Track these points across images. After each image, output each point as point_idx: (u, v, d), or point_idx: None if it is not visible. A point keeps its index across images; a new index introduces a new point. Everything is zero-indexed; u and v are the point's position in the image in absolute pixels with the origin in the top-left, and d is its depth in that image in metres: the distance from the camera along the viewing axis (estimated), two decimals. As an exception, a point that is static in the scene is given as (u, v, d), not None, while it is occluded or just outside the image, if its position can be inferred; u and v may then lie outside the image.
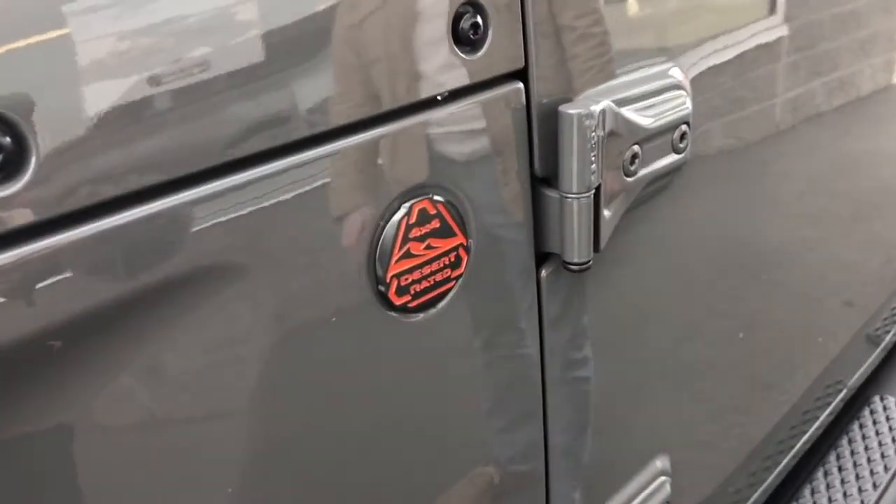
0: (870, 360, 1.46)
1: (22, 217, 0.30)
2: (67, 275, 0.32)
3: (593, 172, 0.51)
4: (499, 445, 0.57)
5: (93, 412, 0.35)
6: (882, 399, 1.50)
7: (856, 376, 1.39)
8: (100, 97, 0.32)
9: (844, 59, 0.91)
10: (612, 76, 0.56)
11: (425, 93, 0.43)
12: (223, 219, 0.36)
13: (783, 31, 0.78)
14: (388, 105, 0.42)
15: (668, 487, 0.77)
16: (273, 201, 0.38)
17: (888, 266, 1.36)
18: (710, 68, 0.67)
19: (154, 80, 0.33)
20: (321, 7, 0.39)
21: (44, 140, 0.30)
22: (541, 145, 0.51)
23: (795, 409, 1.23)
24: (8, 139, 0.30)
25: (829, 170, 0.98)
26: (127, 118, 0.32)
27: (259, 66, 0.36)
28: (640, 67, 0.58)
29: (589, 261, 0.54)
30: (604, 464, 0.70)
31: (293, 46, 0.38)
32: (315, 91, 0.39)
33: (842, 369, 1.37)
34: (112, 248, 0.33)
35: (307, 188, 0.39)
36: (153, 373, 0.36)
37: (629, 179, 0.56)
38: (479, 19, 0.45)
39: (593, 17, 0.54)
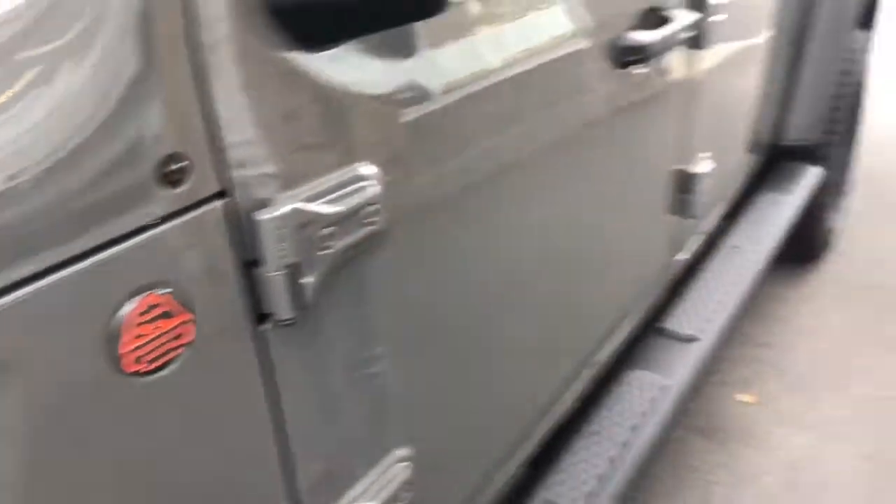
0: (623, 336, 1.75)
1: None
2: None
3: (286, 255, 0.72)
4: (235, 468, 0.76)
5: None
6: (639, 371, 1.82)
7: (606, 351, 1.67)
8: None
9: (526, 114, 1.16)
10: (306, 180, 0.76)
11: (141, 221, 0.62)
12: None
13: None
14: (111, 234, 0.60)
15: (408, 471, 1.00)
16: (36, 309, 0.56)
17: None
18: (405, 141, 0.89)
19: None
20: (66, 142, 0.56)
21: None
22: (247, 240, 0.71)
23: (554, 390, 1.49)
24: None
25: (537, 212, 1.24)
26: None
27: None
28: (331, 169, 0.79)
29: (294, 317, 0.75)
30: (346, 464, 0.91)
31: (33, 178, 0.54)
32: (62, 225, 0.57)
33: (598, 347, 1.64)
34: None
35: (54, 297, 0.57)
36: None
37: (323, 254, 0.77)
38: (180, 164, 0.64)
39: (284, 137, 0.74)
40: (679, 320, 1.90)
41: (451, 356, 1.11)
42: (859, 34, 2.92)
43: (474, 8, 1.02)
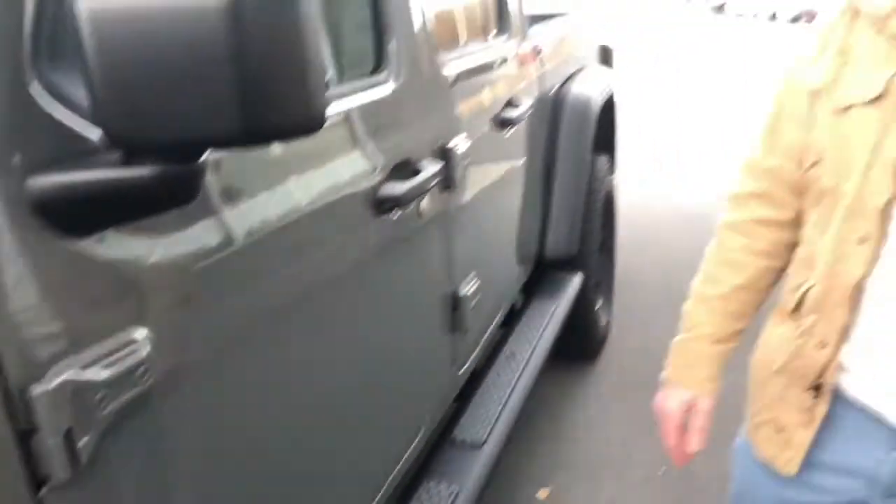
0: (417, 451, 1.86)
1: None
2: None
3: (60, 422, 0.79)
4: None
5: None
6: (433, 483, 1.94)
7: (401, 467, 1.77)
8: None
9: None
10: (78, 350, 0.84)
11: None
12: None
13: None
14: None
15: None
16: None
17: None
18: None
19: None
20: None
21: None
22: (21, 411, 0.77)
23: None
24: None
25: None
26: None
27: None
28: (103, 337, 0.87)
29: (71, 478, 0.81)
30: None
31: None
32: None
33: (393, 465, 1.75)
34: None
35: None
36: None
37: (100, 414, 0.84)
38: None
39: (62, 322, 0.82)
40: (466, 429, 2.07)
41: (243, 493, 1.18)
42: (600, 157, 3.40)
43: (248, 170, 1.16)
